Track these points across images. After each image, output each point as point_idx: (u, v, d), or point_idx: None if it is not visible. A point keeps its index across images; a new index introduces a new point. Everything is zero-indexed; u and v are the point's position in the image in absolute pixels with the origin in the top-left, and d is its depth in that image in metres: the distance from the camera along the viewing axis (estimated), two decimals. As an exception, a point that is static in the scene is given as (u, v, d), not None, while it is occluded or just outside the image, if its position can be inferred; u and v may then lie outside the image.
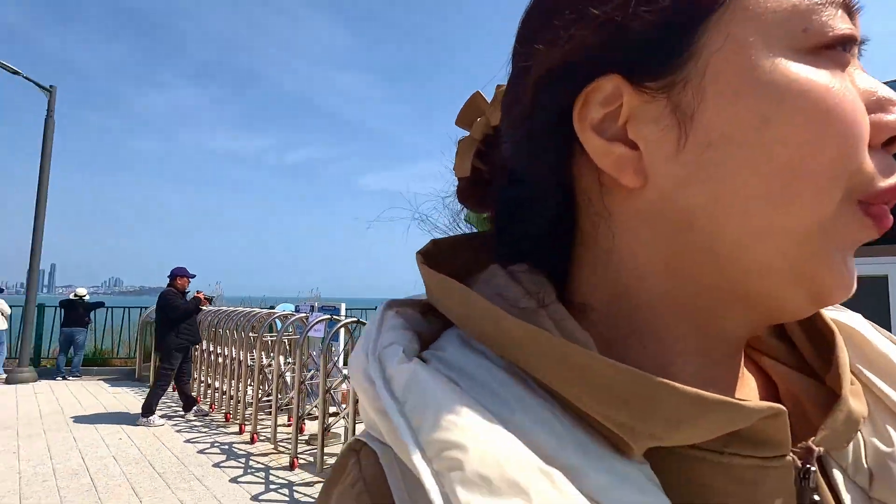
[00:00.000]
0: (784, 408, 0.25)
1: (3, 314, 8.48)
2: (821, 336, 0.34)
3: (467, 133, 0.38)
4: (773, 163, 0.25)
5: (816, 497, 0.28)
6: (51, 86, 9.45)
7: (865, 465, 0.30)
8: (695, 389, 0.24)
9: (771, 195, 0.25)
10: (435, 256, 0.35)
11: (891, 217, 0.26)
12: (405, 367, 0.26)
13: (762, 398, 0.33)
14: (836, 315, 0.37)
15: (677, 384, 0.24)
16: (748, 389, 0.33)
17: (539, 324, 0.27)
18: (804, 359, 0.34)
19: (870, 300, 2.49)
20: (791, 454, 0.27)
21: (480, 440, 0.23)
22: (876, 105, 0.26)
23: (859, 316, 0.38)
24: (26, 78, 9.18)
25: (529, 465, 0.22)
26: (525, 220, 0.33)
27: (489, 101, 0.37)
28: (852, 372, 0.32)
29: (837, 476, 0.30)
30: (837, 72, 0.26)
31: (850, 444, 0.30)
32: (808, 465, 0.27)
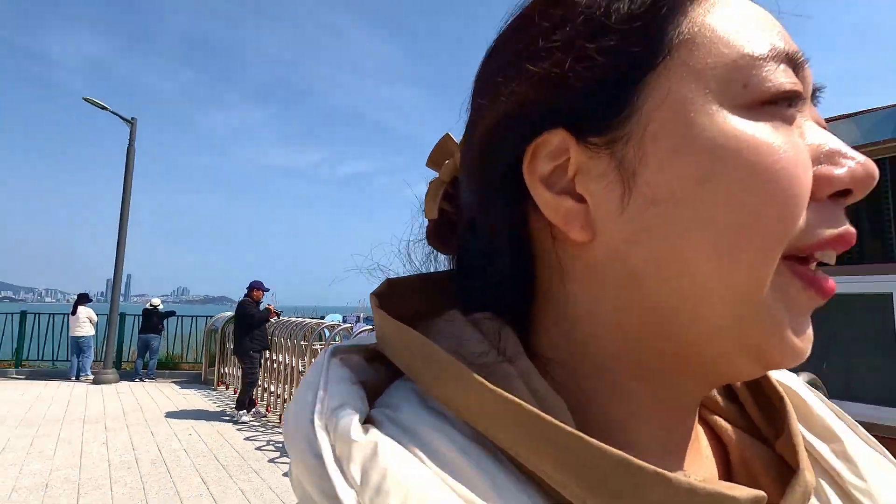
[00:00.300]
0: (764, 494, 0.25)
1: (91, 321, 9.50)
2: (767, 399, 0.34)
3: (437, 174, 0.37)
4: (714, 222, 0.24)
5: None
6: (132, 117, 10.58)
7: None
8: (687, 479, 0.23)
9: (713, 255, 0.24)
10: (389, 298, 0.33)
11: (831, 281, 0.26)
12: (363, 442, 0.23)
13: (717, 462, 0.32)
14: (776, 375, 0.36)
15: (671, 474, 0.23)
16: (702, 455, 0.32)
17: (508, 384, 0.26)
18: (753, 421, 0.34)
19: (874, 318, 2.55)
20: None
21: None
22: (825, 158, 0.26)
23: (795, 376, 0.37)
24: (112, 112, 10.33)
25: None
26: (484, 269, 0.32)
27: (458, 143, 0.36)
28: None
29: None
30: (782, 126, 0.25)
31: None
32: None
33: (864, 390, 2.50)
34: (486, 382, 0.24)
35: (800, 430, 0.33)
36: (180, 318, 10.82)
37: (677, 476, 0.23)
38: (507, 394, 0.24)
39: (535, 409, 0.24)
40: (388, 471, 0.22)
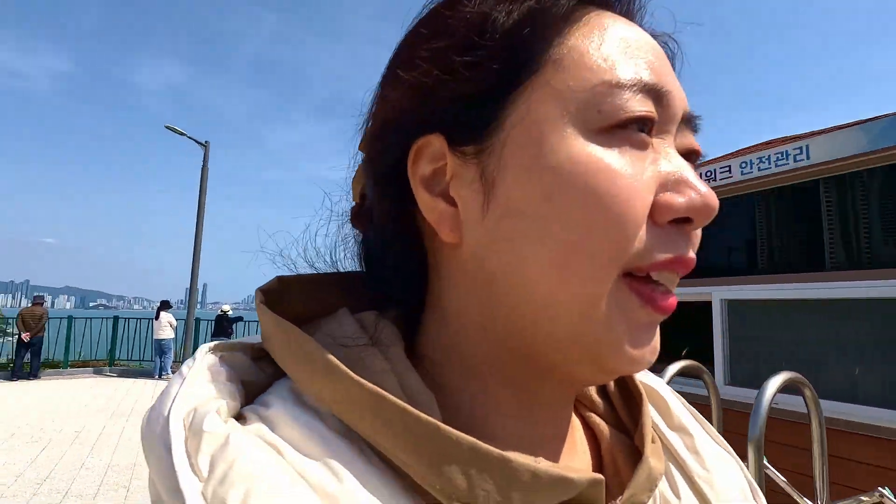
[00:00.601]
0: (602, 477, 0.26)
1: (171, 326, 10.51)
2: (631, 397, 0.37)
3: None
4: (553, 238, 0.26)
5: None
6: (206, 141, 11.68)
7: None
8: (529, 463, 0.24)
9: (552, 268, 0.26)
10: (281, 295, 0.32)
11: (671, 299, 0.27)
12: (214, 433, 0.22)
13: (592, 456, 0.35)
14: (643, 378, 0.40)
15: (514, 458, 0.24)
16: (577, 449, 0.34)
17: (378, 378, 0.26)
18: (620, 417, 0.37)
19: None
20: None
21: None
22: (671, 185, 0.27)
23: (661, 381, 0.41)
24: (189, 137, 11.45)
25: None
26: (379, 261, 0.33)
27: None
28: (656, 431, 0.36)
29: None
30: (631, 152, 0.26)
31: (651, 500, 0.32)
32: None
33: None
34: (352, 374, 0.25)
35: (654, 424, 0.37)
36: (247, 322, 11.71)
37: (519, 460, 0.24)
38: (370, 384, 0.24)
39: (396, 399, 0.24)
40: (236, 461, 0.21)
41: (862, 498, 1.86)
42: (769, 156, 2.92)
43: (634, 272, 0.26)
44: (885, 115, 2.53)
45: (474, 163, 0.28)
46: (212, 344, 0.29)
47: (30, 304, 10.02)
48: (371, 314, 0.31)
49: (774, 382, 1.82)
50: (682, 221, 0.27)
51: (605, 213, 0.25)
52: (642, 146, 0.27)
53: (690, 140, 0.30)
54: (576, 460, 0.33)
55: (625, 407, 0.37)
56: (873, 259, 2.55)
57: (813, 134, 2.87)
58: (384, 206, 0.32)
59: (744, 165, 3.05)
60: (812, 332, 2.75)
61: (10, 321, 10.48)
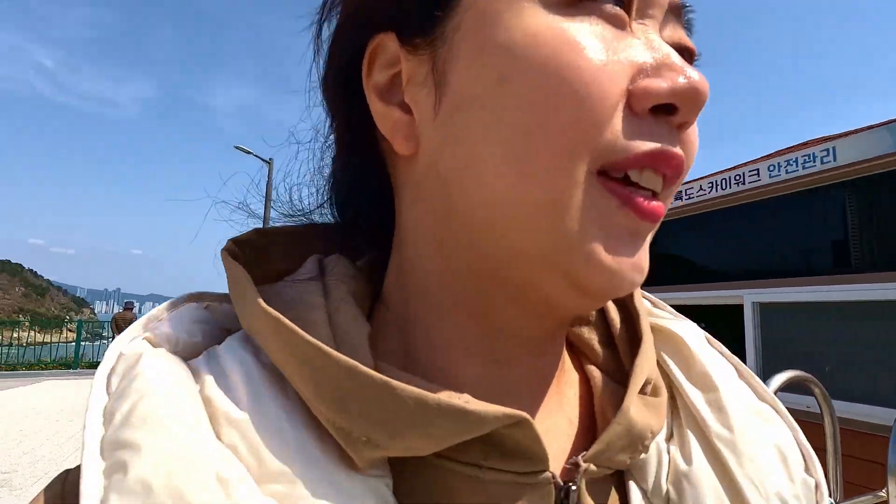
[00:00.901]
0: (527, 416, 0.23)
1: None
2: (637, 344, 0.31)
3: None
4: (510, 126, 0.23)
5: None
6: (270, 158, 12.58)
7: (664, 486, 0.28)
8: (417, 391, 0.21)
9: (507, 162, 0.23)
10: (262, 249, 0.31)
11: (652, 204, 0.24)
12: (129, 354, 0.24)
13: (581, 411, 0.30)
14: (667, 323, 0.35)
15: (399, 384, 0.21)
16: (564, 401, 0.30)
17: (304, 311, 0.25)
18: (624, 368, 0.32)
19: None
20: (550, 472, 0.24)
21: (163, 440, 0.20)
22: (652, 70, 0.23)
23: (694, 326, 0.35)
24: (255, 156, 12.39)
25: (208, 471, 0.19)
26: (346, 203, 0.32)
27: None
28: (671, 384, 0.32)
29: (635, 496, 0.27)
30: (605, 27, 0.23)
31: (654, 463, 0.28)
32: (568, 484, 0.25)
33: None
34: (265, 305, 0.24)
35: (672, 376, 0.32)
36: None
37: (405, 386, 0.21)
38: (271, 310, 0.23)
39: (290, 324, 0.23)
40: (136, 378, 0.22)
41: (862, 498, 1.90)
42: (796, 158, 2.93)
43: (610, 171, 0.23)
44: (913, 115, 2.49)
45: (426, 56, 0.26)
46: (197, 293, 0.29)
47: (121, 310, 11.12)
48: (336, 255, 0.30)
49: (777, 380, 1.90)
50: (666, 111, 0.24)
51: (566, 92, 0.22)
52: (617, 23, 0.24)
53: (681, 35, 0.27)
54: (553, 413, 0.29)
55: (630, 355, 0.32)
56: (903, 260, 2.51)
57: (839, 136, 2.86)
58: (340, 128, 0.30)
59: (772, 168, 3.06)
60: (843, 333, 2.73)
61: (106, 325, 11.70)
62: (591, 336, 0.33)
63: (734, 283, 3.24)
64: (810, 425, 2.36)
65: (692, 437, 0.30)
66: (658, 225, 0.26)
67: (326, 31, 0.31)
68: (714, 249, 3.57)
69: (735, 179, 3.28)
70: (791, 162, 2.96)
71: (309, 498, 0.20)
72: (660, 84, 0.23)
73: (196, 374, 0.24)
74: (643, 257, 0.25)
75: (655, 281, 3.89)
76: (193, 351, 0.26)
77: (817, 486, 0.31)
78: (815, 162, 2.84)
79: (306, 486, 0.20)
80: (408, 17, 0.26)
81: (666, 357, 0.33)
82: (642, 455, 0.28)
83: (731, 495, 0.28)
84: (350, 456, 0.22)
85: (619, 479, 0.29)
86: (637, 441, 0.27)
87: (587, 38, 0.23)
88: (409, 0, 0.26)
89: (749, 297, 3.13)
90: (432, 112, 0.26)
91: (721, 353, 0.35)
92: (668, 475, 0.28)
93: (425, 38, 0.26)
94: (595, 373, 0.32)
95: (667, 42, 0.26)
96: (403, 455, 0.23)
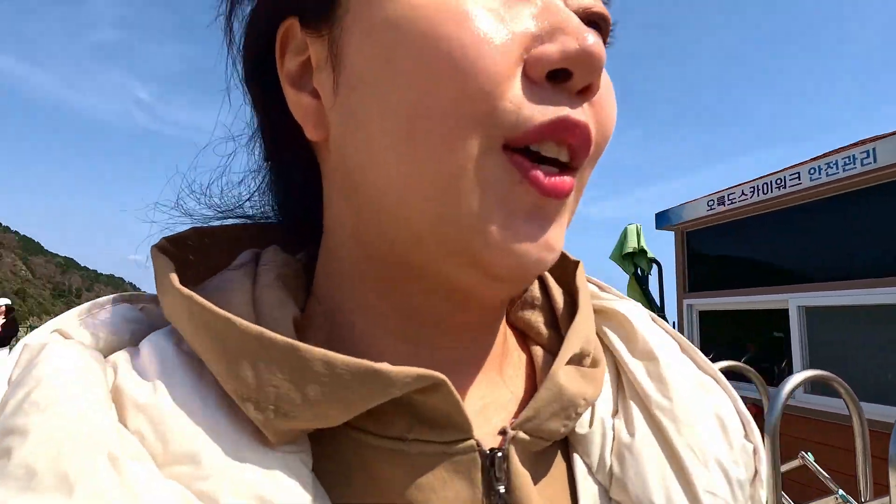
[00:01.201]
0: (443, 377, 0.22)
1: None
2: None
3: None
4: (397, 105, 0.22)
5: (502, 489, 0.24)
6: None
7: (608, 460, 0.28)
8: (324, 351, 0.21)
9: (400, 143, 0.23)
10: (203, 248, 0.30)
11: (553, 180, 0.23)
12: (33, 345, 0.23)
13: (525, 388, 0.30)
14: (612, 304, 0.35)
15: (304, 346, 0.21)
16: (505, 380, 0.30)
17: (230, 297, 0.25)
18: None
19: None
20: (475, 439, 0.24)
21: (53, 424, 0.19)
22: (547, 36, 0.23)
23: (639, 305, 0.36)
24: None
25: (99, 452, 0.19)
26: (287, 195, 0.32)
27: None
28: (616, 361, 0.32)
29: (580, 471, 0.28)
30: None
31: (599, 437, 0.29)
32: (495, 451, 0.24)
33: None
34: (178, 285, 0.24)
35: (616, 352, 0.33)
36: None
37: (312, 348, 0.21)
38: (187, 292, 0.23)
39: (202, 300, 0.23)
40: (38, 364, 0.21)
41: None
42: (836, 161, 2.91)
43: (512, 144, 0.23)
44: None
45: (326, 39, 0.25)
46: (129, 294, 0.29)
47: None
48: (273, 247, 0.30)
49: (796, 378, 1.96)
50: (563, 77, 0.23)
51: (446, 66, 0.21)
52: None
53: (592, 2, 0.26)
54: (497, 391, 0.29)
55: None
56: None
57: (878, 138, 2.82)
58: (265, 120, 0.30)
59: (812, 171, 3.05)
60: (886, 336, 2.68)
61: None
62: (537, 319, 0.33)
63: (779, 287, 3.24)
64: (841, 427, 2.30)
65: (635, 410, 0.30)
66: (566, 201, 0.24)
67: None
68: (757, 254, 3.56)
69: (776, 184, 3.28)
70: (832, 164, 2.95)
71: (214, 476, 0.20)
72: (551, 49, 0.22)
73: (113, 367, 0.23)
74: (553, 235, 0.24)
75: (700, 287, 3.91)
76: (118, 347, 0.26)
77: (755, 452, 0.31)
78: (855, 164, 2.81)
79: (213, 464, 0.20)
80: (305, 1, 0.26)
81: (610, 334, 0.34)
82: (585, 429, 0.29)
83: (671, 462, 0.28)
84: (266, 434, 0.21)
85: (567, 454, 0.29)
86: (569, 407, 0.27)
87: (473, 8, 0.22)
88: None
89: (794, 301, 3.12)
90: (333, 95, 0.25)
91: (665, 330, 0.35)
92: (612, 449, 0.29)
93: (324, 20, 0.25)
94: (539, 352, 0.32)
95: (574, 9, 0.25)
96: (315, 425, 0.22)
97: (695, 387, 0.32)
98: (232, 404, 0.22)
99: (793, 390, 1.90)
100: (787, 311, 3.17)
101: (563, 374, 0.27)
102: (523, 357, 0.32)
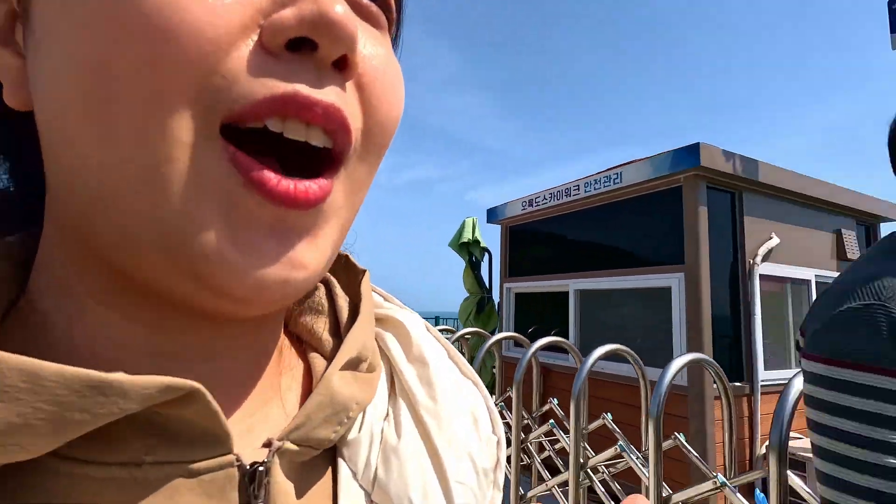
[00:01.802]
0: (198, 386, 0.19)
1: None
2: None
3: None
4: (81, 64, 0.18)
5: None
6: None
7: (374, 464, 0.28)
8: (25, 358, 0.16)
9: (87, 114, 0.18)
10: None
11: (287, 184, 0.19)
12: None
13: (300, 398, 0.29)
14: (393, 313, 0.36)
15: (14, 357, 0.16)
16: (283, 395, 0.28)
17: None
18: None
19: None
20: (235, 454, 0.21)
21: None
22: (290, 0, 0.20)
23: (416, 315, 0.37)
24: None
25: None
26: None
27: None
28: (392, 368, 0.33)
29: (344, 477, 0.27)
30: None
31: (367, 442, 0.28)
32: (255, 465, 0.22)
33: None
34: None
35: (392, 359, 0.33)
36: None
37: (8, 355, 0.16)
38: None
39: None
40: None
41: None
42: (600, 179, 3.80)
43: (240, 125, 0.19)
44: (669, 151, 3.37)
45: None
46: None
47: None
48: (12, 237, 0.25)
49: (600, 350, 2.33)
50: (305, 47, 0.20)
51: (144, 13, 0.17)
52: None
53: None
54: (268, 406, 0.26)
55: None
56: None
57: (623, 165, 3.74)
58: None
59: (587, 185, 3.92)
60: (634, 311, 3.63)
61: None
62: (320, 325, 0.31)
63: (563, 274, 4.13)
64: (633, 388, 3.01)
65: (404, 412, 0.31)
66: (320, 208, 0.21)
67: None
68: (552, 247, 4.44)
69: (566, 193, 4.14)
70: (598, 181, 3.83)
71: None
72: (287, 13, 0.19)
73: None
74: (303, 251, 0.21)
75: (517, 273, 4.75)
76: None
77: (498, 442, 0.36)
78: (610, 182, 3.72)
79: None
80: None
81: (389, 341, 0.34)
82: (354, 434, 0.28)
83: (432, 459, 0.30)
84: None
85: (335, 463, 0.28)
86: (341, 412, 0.26)
87: None
88: None
89: (573, 286, 4.00)
90: (26, 52, 0.21)
91: (436, 338, 0.37)
92: (378, 453, 0.28)
93: None
94: (318, 360, 0.30)
95: None
96: (3, 460, 0.16)
97: (456, 389, 0.35)
98: None
99: (594, 362, 2.26)
100: (567, 293, 4.07)
101: (337, 379, 0.26)
102: (301, 366, 0.31)
